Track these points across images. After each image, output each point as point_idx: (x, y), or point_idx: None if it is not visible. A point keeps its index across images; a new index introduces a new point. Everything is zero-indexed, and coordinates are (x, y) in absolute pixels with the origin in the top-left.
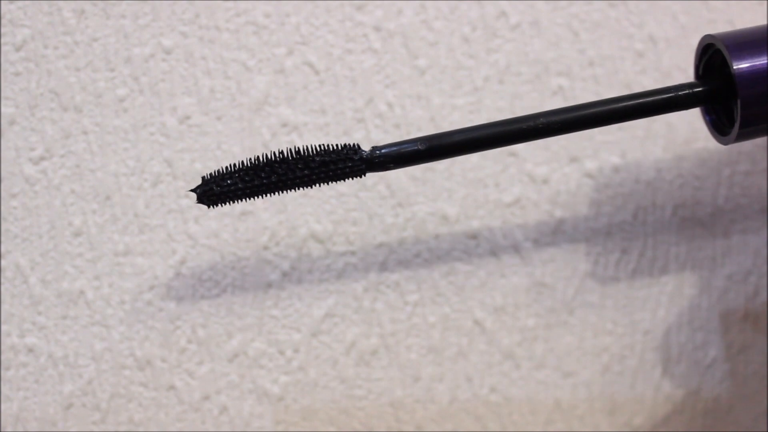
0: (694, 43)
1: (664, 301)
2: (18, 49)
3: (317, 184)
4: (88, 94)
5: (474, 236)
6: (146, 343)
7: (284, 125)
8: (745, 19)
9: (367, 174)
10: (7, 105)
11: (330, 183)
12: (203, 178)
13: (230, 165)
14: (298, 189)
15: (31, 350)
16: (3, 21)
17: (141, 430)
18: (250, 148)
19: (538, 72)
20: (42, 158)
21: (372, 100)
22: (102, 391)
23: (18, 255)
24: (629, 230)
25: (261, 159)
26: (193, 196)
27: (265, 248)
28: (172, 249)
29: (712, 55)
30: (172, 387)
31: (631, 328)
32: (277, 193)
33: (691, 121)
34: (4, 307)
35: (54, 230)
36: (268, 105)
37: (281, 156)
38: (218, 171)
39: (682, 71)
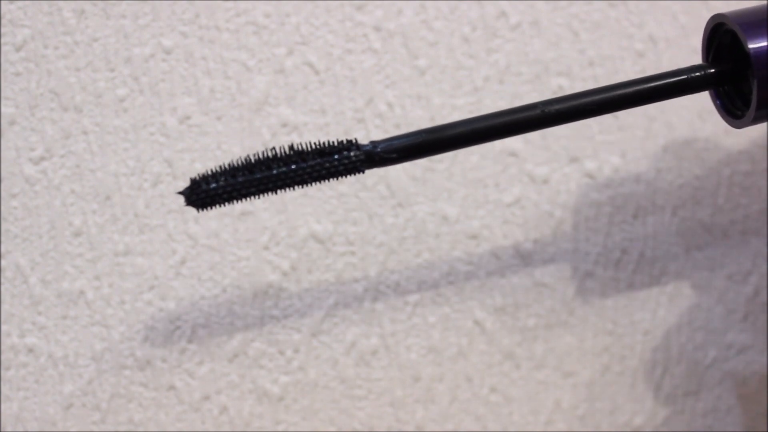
0: (694, 43)
1: (664, 301)
2: (18, 49)
3: (314, 182)
4: (88, 94)
5: (474, 236)
6: (146, 343)
7: (284, 125)
8: None
9: (366, 171)
10: (7, 105)
11: (328, 180)
12: (192, 179)
13: (221, 165)
14: (294, 187)
15: (31, 350)
16: (3, 21)
17: (141, 430)
18: (250, 148)
19: (538, 72)
20: (42, 158)
21: (372, 100)
22: (102, 391)
23: (18, 255)
24: (629, 230)
25: (253, 156)
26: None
27: (265, 248)
28: (172, 249)
29: (722, 36)
30: (172, 387)
31: (631, 328)
32: (271, 192)
33: (691, 121)
34: (4, 307)
35: (54, 230)
36: (268, 105)
37: (274, 152)
38: (208, 171)
39: None
